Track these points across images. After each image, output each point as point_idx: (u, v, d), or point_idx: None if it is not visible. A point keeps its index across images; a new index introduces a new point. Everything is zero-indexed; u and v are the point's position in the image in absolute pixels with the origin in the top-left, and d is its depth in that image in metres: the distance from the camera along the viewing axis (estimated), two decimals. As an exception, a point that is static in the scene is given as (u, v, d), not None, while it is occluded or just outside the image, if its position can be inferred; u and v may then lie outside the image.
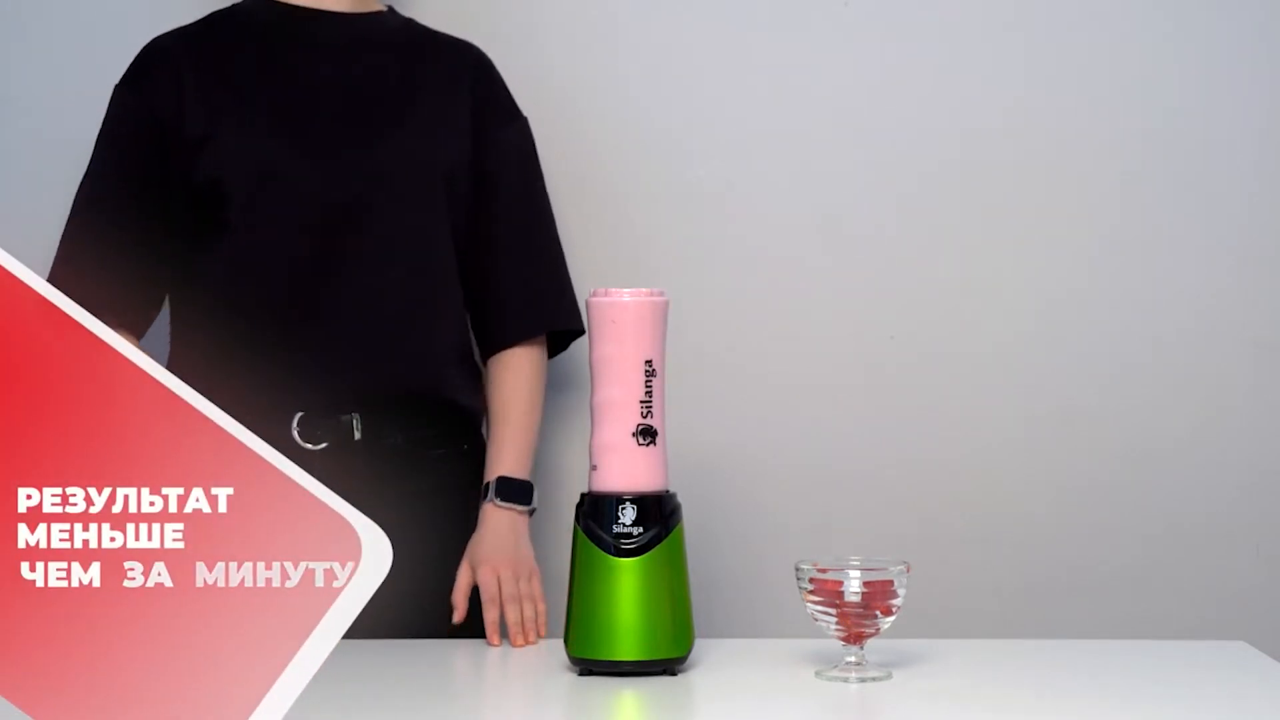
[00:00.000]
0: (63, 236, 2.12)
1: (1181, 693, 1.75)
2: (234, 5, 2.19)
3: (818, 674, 1.77)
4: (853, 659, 1.76)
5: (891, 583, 1.74)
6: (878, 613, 1.74)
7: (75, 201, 2.13)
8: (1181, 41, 2.44)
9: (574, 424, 2.42)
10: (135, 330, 2.09)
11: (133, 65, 2.15)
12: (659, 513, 1.77)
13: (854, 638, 1.75)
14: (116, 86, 2.15)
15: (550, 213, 2.25)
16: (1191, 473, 2.45)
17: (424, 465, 2.14)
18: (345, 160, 2.08)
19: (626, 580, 1.75)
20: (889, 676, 1.76)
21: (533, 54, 2.37)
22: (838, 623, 1.74)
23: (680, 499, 1.80)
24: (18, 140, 2.44)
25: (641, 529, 1.75)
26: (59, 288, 2.01)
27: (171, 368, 2.12)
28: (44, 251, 2.42)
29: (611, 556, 1.75)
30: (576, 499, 1.81)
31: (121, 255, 2.07)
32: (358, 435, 2.08)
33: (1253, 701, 1.72)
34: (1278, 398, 2.45)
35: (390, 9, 2.23)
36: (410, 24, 2.23)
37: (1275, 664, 1.85)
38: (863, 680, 1.75)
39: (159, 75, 2.11)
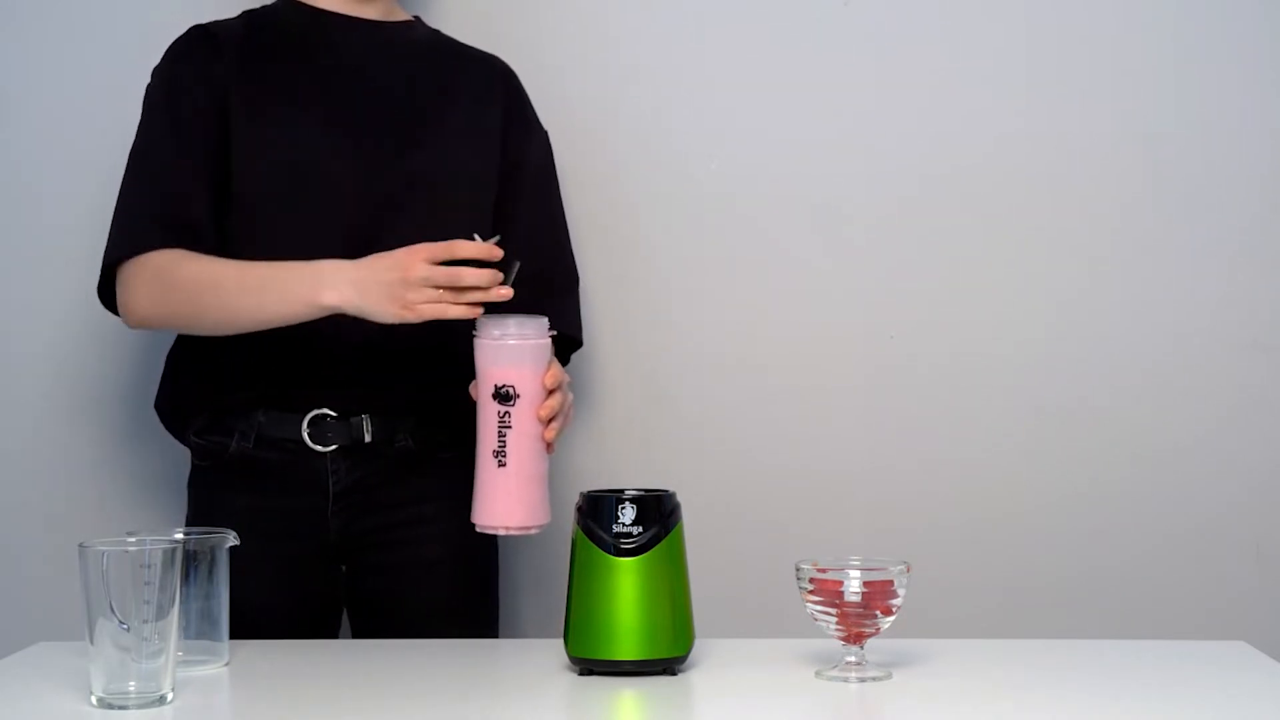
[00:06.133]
0: (125, 198, 2.07)
1: (1181, 693, 1.75)
2: (264, 6, 2.19)
3: (818, 674, 1.77)
4: (853, 659, 1.76)
5: (891, 583, 1.74)
6: (878, 613, 1.74)
7: (130, 168, 2.08)
8: (1183, 43, 2.44)
9: (573, 425, 2.42)
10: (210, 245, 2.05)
11: (177, 44, 2.12)
12: (659, 512, 1.77)
13: (854, 638, 1.75)
14: (160, 63, 2.11)
15: (566, 225, 2.25)
16: (1192, 474, 2.45)
17: (433, 467, 2.14)
18: (383, 163, 2.08)
19: (626, 580, 1.75)
20: (889, 676, 1.76)
21: (536, 55, 2.37)
22: (838, 623, 1.74)
23: (680, 499, 1.80)
24: (17, 140, 2.44)
25: (641, 529, 1.75)
26: (139, 238, 2.01)
27: (184, 361, 2.13)
28: (45, 251, 2.43)
29: (611, 556, 1.75)
30: (576, 499, 1.81)
31: (191, 213, 2.04)
32: (368, 438, 2.08)
33: (1253, 701, 1.72)
34: (1278, 400, 2.45)
35: (417, 18, 2.23)
36: (437, 35, 2.23)
37: (1275, 664, 1.85)
38: (863, 680, 1.75)
39: (207, 52, 2.09)
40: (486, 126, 2.17)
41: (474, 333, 1.88)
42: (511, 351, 1.86)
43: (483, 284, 1.88)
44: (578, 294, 2.23)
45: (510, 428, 1.86)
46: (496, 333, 1.86)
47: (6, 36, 2.43)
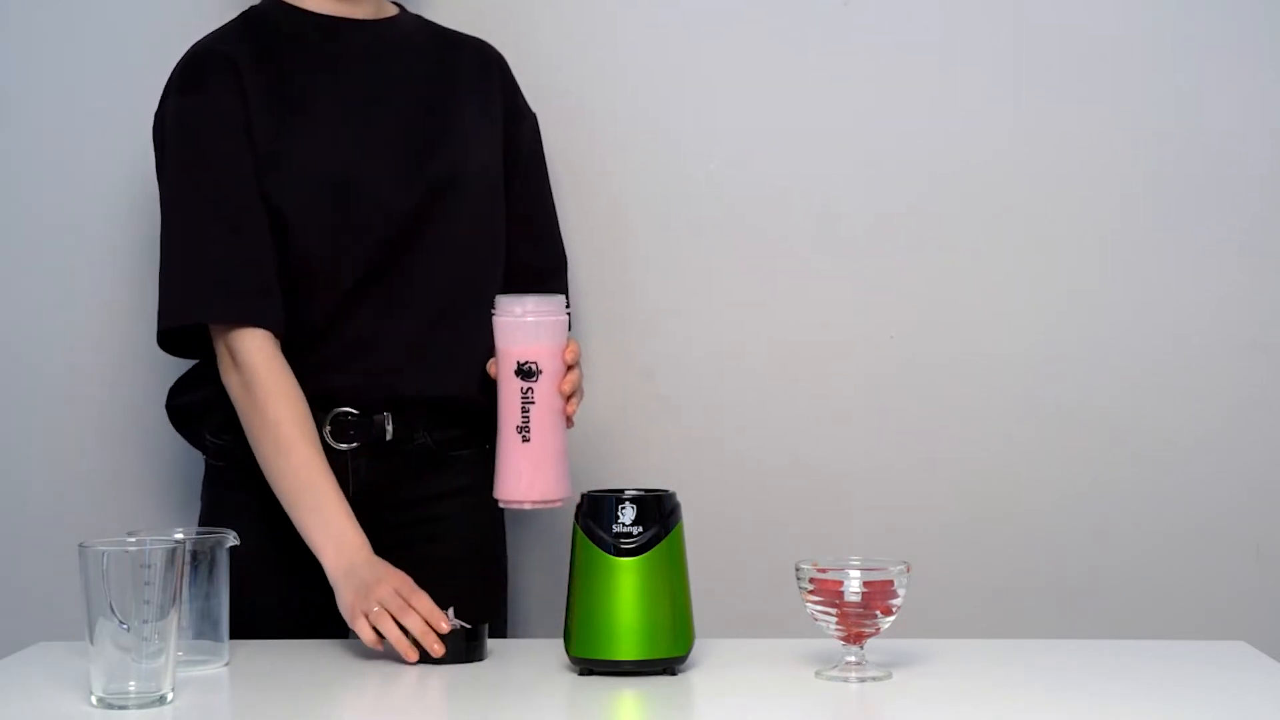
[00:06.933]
0: (176, 261, 2.04)
1: (1181, 693, 1.75)
2: (254, 7, 2.17)
3: (818, 674, 1.77)
4: (853, 659, 1.76)
5: (891, 583, 1.74)
6: (878, 613, 1.74)
7: (174, 230, 2.05)
8: (1183, 43, 2.44)
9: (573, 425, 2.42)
10: (279, 328, 2.04)
11: (188, 72, 2.08)
12: (659, 512, 1.77)
13: (854, 638, 1.75)
14: (173, 96, 2.08)
15: (554, 209, 2.27)
16: (1192, 474, 2.45)
17: (451, 465, 2.14)
18: (410, 169, 2.08)
19: (626, 580, 1.75)
20: (889, 676, 1.76)
21: (533, 51, 2.37)
22: (838, 623, 1.74)
23: (680, 499, 1.80)
24: (18, 139, 2.44)
25: (641, 528, 1.76)
26: (216, 307, 2.01)
27: (205, 365, 2.13)
28: (49, 252, 2.43)
29: (611, 556, 1.75)
30: (576, 499, 1.81)
31: (240, 268, 2.02)
32: (389, 436, 2.09)
33: (1253, 701, 1.72)
34: (1278, 400, 2.45)
35: (402, 9, 2.22)
36: (424, 23, 2.23)
37: (1275, 664, 1.85)
38: (863, 680, 1.75)
39: (220, 78, 2.06)
40: (492, 123, 2.18)
41: (493, 311, 1.90)
42: (534, 329, 1.88)
43: (414, 633, 1.84)
44: (566, 277, 2.25)
45: (533, 403, 1.88)
46: (518, 310, 1.88)
47: (6, 36, 2.43)
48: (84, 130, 2.41)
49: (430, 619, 1.85)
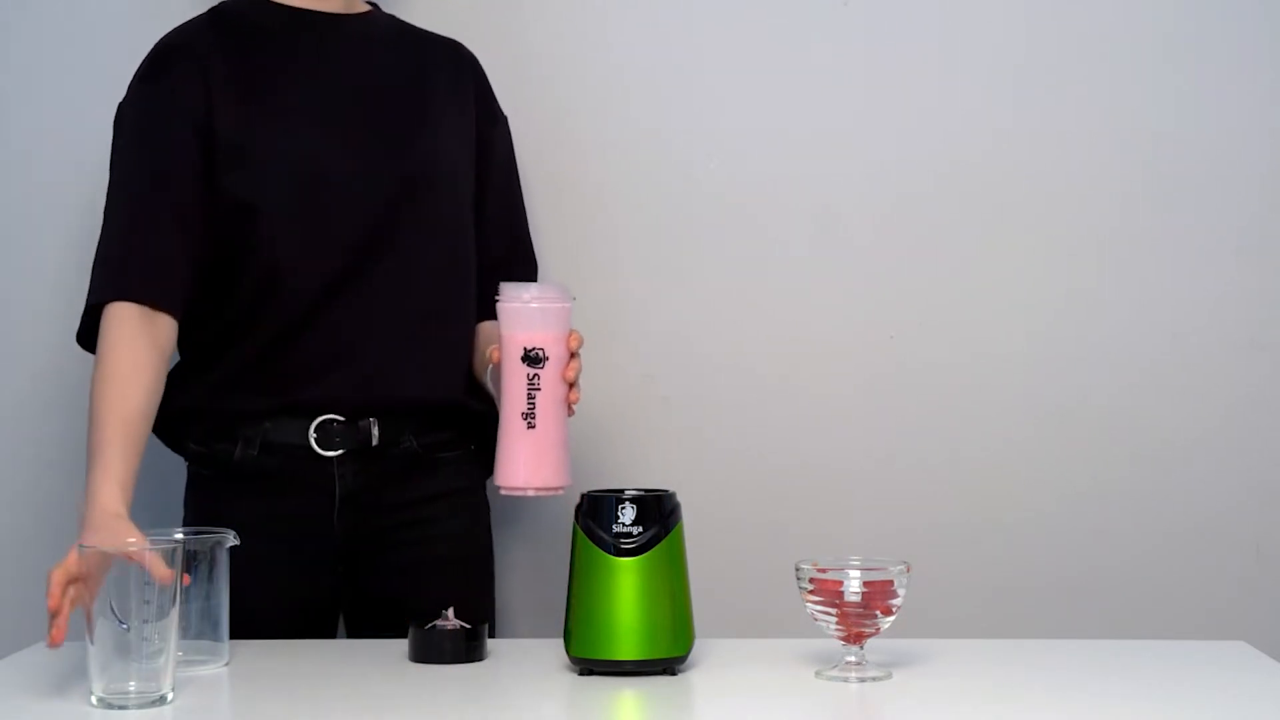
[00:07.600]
0: (100, 245, 2.05)
1: (1181, 693, 1.75)
2: (223, 4, 2.17)
3: (818, 674, 1.77)
4: (853, 659, 1.76)
5: (891, 583, 1.75)
6: (878, 613, 1.74)
7: (107, 212, 2.07)
8: (1183, 42, 2.44)
9: (573, 425, 2.42)
10: (177, 314, 2.03)
11: (150, 61, 2.10)
12: (659, 512, 1.77)
13: (854, 638, 1.75)
14: (134, 85, 2.10)
15: (525, 212, 2.27)
16: (1192, 473, 2.45)
17: (437, 468, 2.14)
18: (381, 165, 2.08)
19: (626, 580, 1.75)
20: (889, 676, 1.76)
21: (528, 52, 2.37)
22: (838, 623, 1.74)
23: (680, 499, 1.80)
24: (19, 137, 2.44)
25: (641, 528, 1.76)
26: (104, 286, 2.01)
27: (184, 370, 2.12)
28: (44, 252, 2.43)
29: (611, 556, 1.75)
30: (576, 499, 1.81)
31: (162, 256, 2.02)
32: (375, 441, 2.08)
33: (1253, 701, 1.72)
34: (1277, 399, 2.45)
35: (375, 6, 2.22)
36: (396, 22, 2.23)
37: (1275, 664, 1.85)
38: (863, 680, 1.75)
39: (183, 69, 2.07)
40: (464, 121, 2.18)
41: (498, 298, 1.89)
42: (540, 315, 1.88)
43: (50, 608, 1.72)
44: (536, 279, 2.26)
45: (539, 390, 1.87)
46: (525, 295, 1.88)
47: (6, 37, 2.43)
48: (81, 131, 2.41)
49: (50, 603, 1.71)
